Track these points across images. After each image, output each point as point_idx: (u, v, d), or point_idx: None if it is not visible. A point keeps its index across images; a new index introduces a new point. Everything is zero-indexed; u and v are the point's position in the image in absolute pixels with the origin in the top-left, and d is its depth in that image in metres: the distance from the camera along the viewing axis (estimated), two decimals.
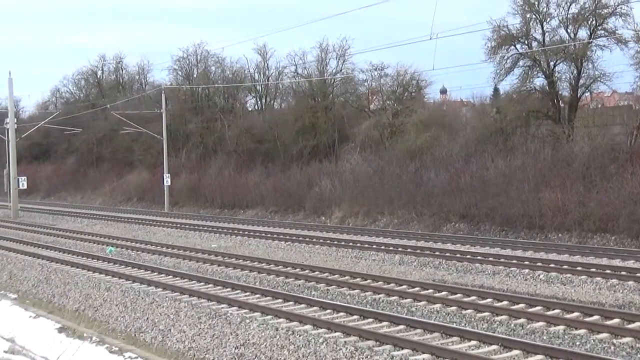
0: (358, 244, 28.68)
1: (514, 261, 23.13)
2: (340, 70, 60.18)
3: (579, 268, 21.42)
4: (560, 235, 29.92)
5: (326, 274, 22.06)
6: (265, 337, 14.55)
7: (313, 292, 19.75)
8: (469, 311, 16.57)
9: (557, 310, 16.19)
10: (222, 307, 17.64)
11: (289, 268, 23.52)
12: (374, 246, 28.03)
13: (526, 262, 22.77)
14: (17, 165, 53.01)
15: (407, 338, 14.07)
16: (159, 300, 18.51)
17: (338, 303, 17.64)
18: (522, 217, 31.54)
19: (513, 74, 51.78)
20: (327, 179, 44.21)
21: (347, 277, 21.36)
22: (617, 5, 48.84)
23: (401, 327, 15.19)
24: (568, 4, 48.38)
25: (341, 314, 16.65)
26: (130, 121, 59.53)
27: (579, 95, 46.76)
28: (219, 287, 20.57)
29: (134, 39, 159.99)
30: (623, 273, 20.34)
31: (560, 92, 48.12)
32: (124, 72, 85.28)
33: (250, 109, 70.62)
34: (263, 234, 33.23)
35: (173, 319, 16.84)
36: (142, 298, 18.99)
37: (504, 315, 15.98)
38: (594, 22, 47.81)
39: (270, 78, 67.53)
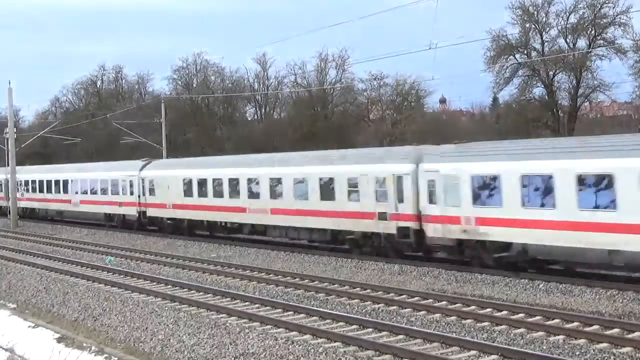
0: (357, 253, 28.59)
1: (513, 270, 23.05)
2: (340, 80, 60.29)
3: (578, 277, 21.37)
4: None
5: (325, 284, 22.02)
6: (264, 347, 14.53)
7: (312, 301, 19.72)
8: (468, 321, 16.55)
9: (556, 320, 16.17)
10: (222, 317, 17.62)
11: (288, 278, 23.49)
12: (373, 255, 27.95)
13: (525, 272, 22.69)
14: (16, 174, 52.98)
15: (406, 348, 14.05)
16: (158, 310, 18.49)
17: (337, 313, 17.62)
18: None
19: (512, 84, 52.02)
20: None
21: (346, 287, 21.32)
22: (616, 15, 48.90)
23: (401, 336, 15.17)
24: (567, 14, 48.51)
25: (340, 323, 16.63)
26: (130, 131, 59.62)
27: (578, 105, 46.87)
28: (218, 297, 20.54)
29: (134, 49, 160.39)
30: (622, 283, 20.30)
31: (559, 102, 48.22)
32: (123, 81, 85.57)
33: (249, 118, 70.79)
34: (262, 244, 33.16)
35: (172, 328, 16.82)
36: (142, 308, 18.97)
37: (504, 325, 15.96)
38: (593, 32, 47.91)
39: (269, 87, 67.67)
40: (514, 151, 23.09)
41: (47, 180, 50.42)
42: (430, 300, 18.92)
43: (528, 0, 51.88)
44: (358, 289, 20.99)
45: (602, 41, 50.03)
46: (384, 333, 15.56)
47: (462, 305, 18.18)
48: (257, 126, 65.25)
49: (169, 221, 37.58)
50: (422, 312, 17.66)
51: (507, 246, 22.37)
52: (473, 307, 17.86)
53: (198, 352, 15.14)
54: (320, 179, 28.66)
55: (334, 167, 28.48)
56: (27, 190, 53.41)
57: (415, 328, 15.78)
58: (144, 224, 39.68)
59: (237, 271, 25.37)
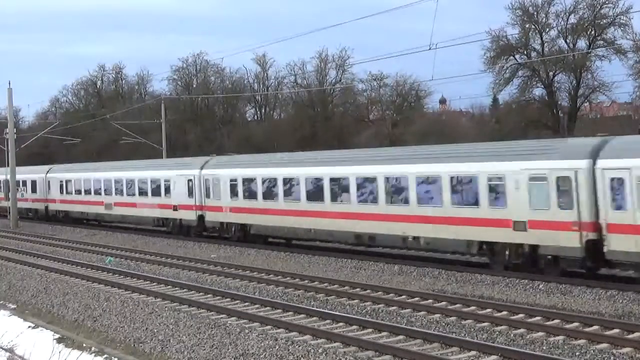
0: (358, 254, 28.62)
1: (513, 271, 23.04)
2: (340, 80, 60.31)
3: (578, 278, 21.37)
4: None
5: (325, 284, 22.02)
6: (264, 347, 14.54)
7: (312, 302, 19.72)
8: (468, 321, 16.56)
9: (556, 321, 16.17)
10: (222, 317, 17.63)
11: (288, 278, 23.48)
12: (374, 256, 27.96)
13: (525, 272, 22.67)
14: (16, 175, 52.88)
15: (406, 348, 14.06)
16: (158, 311, 18.50)
17: (337, 313, 17.63)
18: None
19: (512, 84, 52.05)
20: None
21: (346, 287, 21.32)
22: (616, 16, 48.90)
23: (401, 337, 15.18)
24: (567, 14, 48.53)
25: (340, 324, 16.63)
26: (130, 131, 59.60)
27: (578, 105, 46.88)
28: (218, 297, 20.54)
29: (134, 49, 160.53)
30: (622, 283, 20.30)
31: (559, 102, 48.23)
32: (123, 82, 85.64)
33: (249, 119, 70.84)
34: (262, 244, 33.13)
35: (172, 329, 16.82)
36: (142, 308, 18.98)
37: (504, 325, 15.97)
38: (593, 32, 47.91)
39: (269, 88, 67.71)
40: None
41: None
42: (430, 301, 18.92)
43: (528, 0, 52.08)
44: (358, 289, 20.99)
45: (602, 42, 50.11)
46: (384, 333, 15.56)
47: (462, 305, 18.18)
48: (257, 127, 65.35)
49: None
50: (422, 313, 17.66)
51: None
52: (473, 308, 17.86)
53: (198, 352, 15.14)
54: None
55: None
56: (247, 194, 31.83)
57: (415, 328, 15.78)
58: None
59: (237, 271, 25.36)
